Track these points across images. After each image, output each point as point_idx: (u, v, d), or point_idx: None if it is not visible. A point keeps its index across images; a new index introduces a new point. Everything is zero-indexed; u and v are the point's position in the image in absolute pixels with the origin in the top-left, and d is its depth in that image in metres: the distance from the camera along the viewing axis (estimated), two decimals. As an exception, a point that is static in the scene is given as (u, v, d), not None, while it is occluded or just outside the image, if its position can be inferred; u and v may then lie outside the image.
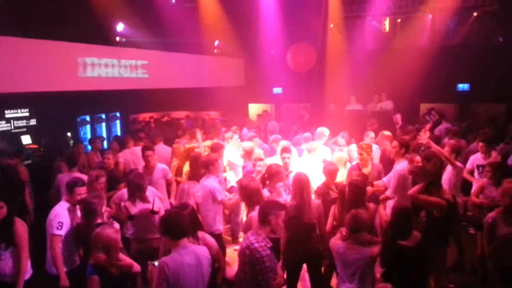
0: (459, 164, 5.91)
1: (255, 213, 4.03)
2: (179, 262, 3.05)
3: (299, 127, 10.01)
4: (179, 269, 3.02)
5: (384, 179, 5.78)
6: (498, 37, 12.30)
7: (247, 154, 6.61)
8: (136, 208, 4.69)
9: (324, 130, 7.33)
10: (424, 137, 6.27)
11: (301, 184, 4.43)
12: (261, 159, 6.22)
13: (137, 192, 4.72)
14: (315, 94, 13.22)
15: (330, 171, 5.19)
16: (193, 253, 3.15)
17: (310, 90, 13.48)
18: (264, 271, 3.32)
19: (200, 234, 3.80)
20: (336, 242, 3.88)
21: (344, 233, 3.85)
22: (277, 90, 14.77)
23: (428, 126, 7.47)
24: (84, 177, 4.99)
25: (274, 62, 13.52)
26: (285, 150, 6.05)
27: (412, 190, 4.75)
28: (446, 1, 11.73)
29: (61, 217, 4.13)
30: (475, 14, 12.24)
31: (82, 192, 4.36)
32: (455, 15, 12.72)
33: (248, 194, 4.43)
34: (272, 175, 4.95)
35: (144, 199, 4.75)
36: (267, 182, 5.00)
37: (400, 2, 12.55)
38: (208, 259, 3.24)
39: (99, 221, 3.97)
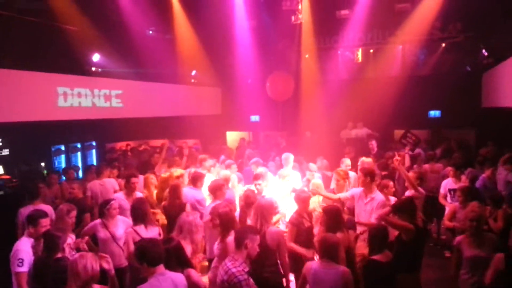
0: (421, 190, 5.97)
1: (231, 238, 4.04)
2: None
3: (276, 153, 10.10)
4: None
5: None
6: (465, 66, 12.86)
7: (227, 182, 6.59)
8: (147, 232, 4.69)
9: (290, 156, 7.39)
10: (396, 159, 6.25)
11: (261, 209, 4.48)
12: (260, 177, 6.15)
13: (145, 216, 4.80)
14: (291, 122, 13.42)
15: (303, 199, 5.12)
16: (171, 279, 3.17)
17: (286, 118, 13.68)
18: None
19: (186, 272, 3.68)
20: (309, 264, 3.88)
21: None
22: (255, 118, 14.92)
23: (407, 149, 7.62)
24: (48, 208, 4.94)
25: (251, 90, 13.75)
26: (257, 177, 6.10)
27: (383, 212, 4.83)
28: (414, 33, 12.24)
29: (21, 253, 4.02)
30: (443, 45, 12.81)
31: (46, 224, 4.28)
32: (424, 46, 13.29)
33: (225, 220, 4.39)
34: (250, 203, 4.99)
35: (153, 223, 4.88)
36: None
37: (372, 34, 13.01)
38: (185, 286, 3.25)
39: (59, 255, 3.89)
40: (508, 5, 9.39)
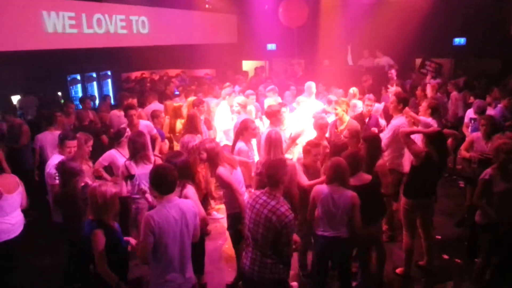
0: (423, 119, 5.79)
1: (222, 168, 4.10)
2: (164, 215, 3.09)
3: (293, 82, 9.94)
4: (164, 221, 3.06)
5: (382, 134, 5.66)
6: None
7: (243, 108, 6.57)
8: (138, 168, 4.64)
9: (312, 85, 7.32)
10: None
11: (269, 142, 4.47)
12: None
13: (141, 151, 4.69)
14: (309, 50, 13.00)
15: (321, 125, 5.18)
16: (178, 206, 3.18)
17: (304, 46, 13.23)
18: (290, 234, 3.30)
19: (185, 189, 3.81)
20: (319, 187, 3.92)
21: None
22: (271, 46, 14.50)
23: (428, 77, 7.36)
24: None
25: (267, 18, 13.19)
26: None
27: (405, 129, 4.79)
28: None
29: (54, 168, 4.21)
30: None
31: (72, 145, 4.50)
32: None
33: (211, 155, 4.26)
34: (242, 130, 5.01)
35: (147, 159, 4.74)
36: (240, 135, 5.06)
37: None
38: (193, 212, 3.26)
39: (81, 184, 4.04)
40: None
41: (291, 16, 11.96)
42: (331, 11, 12.69)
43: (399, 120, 5.59)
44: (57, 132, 5.34)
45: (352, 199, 3.74)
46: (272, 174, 3.37)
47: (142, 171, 4.59)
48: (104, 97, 8.99)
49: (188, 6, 12.52)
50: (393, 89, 7.60)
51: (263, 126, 6.34)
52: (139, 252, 3.17)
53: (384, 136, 5.44)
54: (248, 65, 14.58)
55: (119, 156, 5.10)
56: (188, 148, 4.81)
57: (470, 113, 6.90)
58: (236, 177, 4.23)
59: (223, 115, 7.03)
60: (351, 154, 4.12)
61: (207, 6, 13.73)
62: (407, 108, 5.85)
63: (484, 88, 8.32)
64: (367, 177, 4.10)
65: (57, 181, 4.12)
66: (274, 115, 5.54)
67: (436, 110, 5.89)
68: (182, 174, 3.74)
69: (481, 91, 8.15)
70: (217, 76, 12.45)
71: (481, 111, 6.30)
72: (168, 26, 11.66)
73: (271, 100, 7.23)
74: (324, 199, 3.80)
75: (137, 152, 4.67)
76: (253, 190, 4.37)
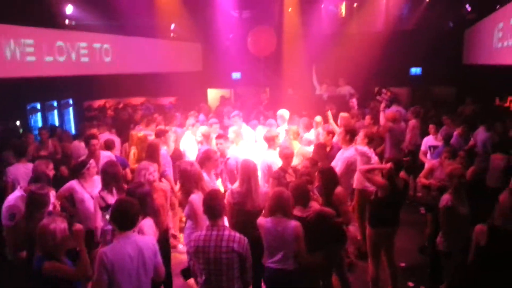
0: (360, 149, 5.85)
1: (195, 196, 4.04)
2: (119, 252, 3.00)
3: (258, 111, 10.05)
4: (118, 259, 2.97)
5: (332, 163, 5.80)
6: (448, 21, 12.73)
7: (205, 138, 6.57)
8: (114, 197, 4.52)
9: (285, 113, 7.47)
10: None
11: (248, 171, 4.45)
12: (223, 136, 6.17)
13: (113, 181, 4.60)
14: (273, 78, 13.25)
15: (286, 155, 5.24)
16: (136, 243, 3.08)
17: (268, 75, 13.49)
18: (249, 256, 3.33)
19: (142, 222, 3.69)
20: (261, 220, 3.87)
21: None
22: (236, 75, 14.67)
23: (382, 106, 7.58)
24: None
25: (232, 46, 13.40)
26: (220, 136, 6.14)
27: (362, 167, 4.93)
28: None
29: (13, 208, 4.11)
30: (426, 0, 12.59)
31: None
32: (408, 0, 13.04)
33: (186, 178, 4.31)
34: (204, 160, 5.00)
35: (121, 189, 4.62)
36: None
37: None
38: (152, 250, 3.16)
39: (45, 212, 3.86)
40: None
41: (260, 45, 12.20)
42: (294, 41, 13.04)
43: (349, 152, 5.74)
44: (30, 165, 5.19)
45: (295, 230, 3.69)
46: (214, 205, 3.34)
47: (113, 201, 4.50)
48: (54, 128, 8.70)
49: (153, 35, 12.54)
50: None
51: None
52: None
53: (337, 170, 5.47)
54: (213, 94, 14.66)
55: (79, 187, 4.96)
56: (140, 176, 4.73)
57: (428, 141, 7.17)
58: None
59: (189, 145, 6.99)
60: (297, 185, 4.09)
61: (172, 34, 13.80)
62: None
63: (440, 115, 8.70)
64: (316, 206, 4.11)
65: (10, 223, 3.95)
66: (272, 140, 5.78)
67: (372, 140, 5.96)
68: (142, 206, 3.66)
69: (437, 118, 8.51)
70: (181, 105, 12.42)
71: (448, 138, 6.56)
72: (132, 54, 11.60)
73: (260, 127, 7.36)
74: (267, 231, 3.75)
75: (110, 182, 4.59)
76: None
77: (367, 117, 8.27)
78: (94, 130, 6.98)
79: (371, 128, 7.13)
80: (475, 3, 11.17)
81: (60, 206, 4.73)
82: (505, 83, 9.91)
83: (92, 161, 5.17)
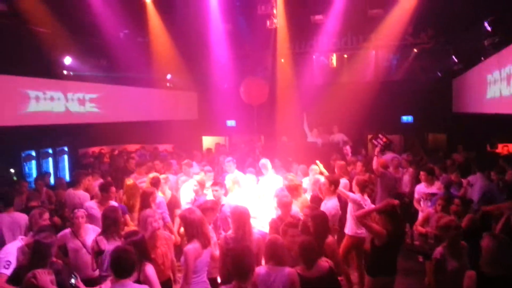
0: (352, 196, 5.93)
1: (191, 247, 3.97)
2: None
3: (253, 159, 10.11)
4: None
5: None
6: (436, 71, 13.18)
7: (201, 186, 6.56)
8: (109, 244, 4.44)
9: (267, 162, 7.48)
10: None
11: (241, 217, 4.45)
12: (218, 184, 6.11)
13: (113, 226, 4.55)
14: (267, 126, 13.44)
15: (285, 203, 5.18)
16: None
17: (262, 123, 13.70)
18: None
19: (145, 268, 3.68)
20: (257, 269, 3.79)
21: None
22: (231, 122, 14.88)
23: (377, 150, 7.66)
24: (23, 217, 4.79)
25: (227, 95, 13.70)
26: (215, 183, 6.07)
27: (360, 212, 4.88)
28: (387, 39, 12.48)
29: (10, 256, 4.01)
30: (415, 50, 13.09)
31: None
32: (396, 52, 13.56)
33: (188, 226, 4.23)
34: (207, 210, 4.89)
35: (118, 235, 4.54)
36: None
37: (346, 39, 13.19)
38: None
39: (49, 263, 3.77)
40: (477, 13, 9.68)
41: (252, 95, 12.49)
42: (287, 90, 13.36)
43: (331, 203, 5.71)
44: (16, 214, 5.08)
45: (289, 277, 3.64)
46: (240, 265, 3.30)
47: (111, 247, 4.38)
48: (46, 175, 8.63)
49: (150, 84, 12.83)
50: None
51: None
52: None
53: None
54: (208, 141, 14.78)
55: (72, 236, 4.88)
56: (147, 223, 4.67)
57: (420, 188, 7.17)
58: (203, 257, 4.10)
59: (188, 193, 6.95)
60: (303, 243, 3.91)
61: (168, 84, 14.11)
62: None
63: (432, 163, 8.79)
64: (324, 265, 3.91)
65: (5, 271, 3.84)
66: (296, 189, 5.78)
67: (364, 187, 5.97)
68: (140, 253, 3.65)
69: (428, 166, 8.58)
70: (177, 152, 12.47)
71: (447, 186, 6.58)
72: (129, 103, 11.82)
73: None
74: (262, 280, 3.69)
75: (108, 227, 4.54)
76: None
77: (359, 164, 8.34)
78: (89, 178, 6.93)
79: (363, 175, 7.16)
80: (461, 54, 11.63)
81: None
82: (494, 130, 10.15)
83: (77, 210, 5.13)
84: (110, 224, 4.56)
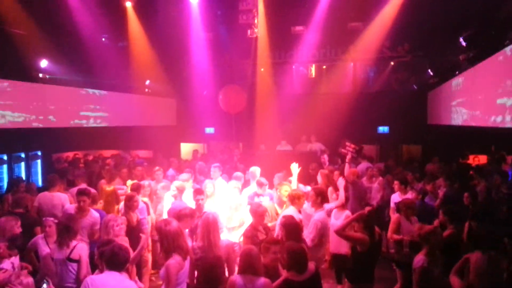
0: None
1: (173, 261, 3.87)
2: (104, 281, 3.29)
3: (231, 167, 10.09)
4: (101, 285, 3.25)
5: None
6: (412, 84, 13.51)
7: (179, 192, 6.49)
8: (59, 252, 4.41)
9: (256, 170, 7.48)
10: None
11: (208, 225, 4.46)
12: (202, 192, 6.08)
13: (65, 234, 4.47)
14: (246, 134, 13.46)
15: (258, 213, 5.14)
16: (121, 280, 3.35)
17: (241, 131, 13.72)
18: None
19: None
20: (232, 278, 3.84)
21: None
22: (209, 130, 14.85)
23: (348, 157, 7.69)
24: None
25: (206, 102, 13.69)
26: (198, 192, 6.00)
27: (338, 226, 4.88)
28: (365, 52, 12.73)
29: None
30: (392, 63, 13.40)
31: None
32: (374, 64, 13.85)
33: (163, 237, 4.15)
34: (185, 217, 4.89)
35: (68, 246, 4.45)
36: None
37: (325, 50, 13.40)
38: None
39: None
40: (453, 28, 9.99)
41: (230, 103, 12.52)
42: (266, 99, 13.45)
43: (319, 215, 5.50)
44: None
45: (264, 287, 3.68)
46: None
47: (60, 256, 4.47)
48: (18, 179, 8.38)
49: (128, 90, 12.70)
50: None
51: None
52: None
53: (308, 234, 5.35)
54: (186, 148, 14.70)
55: (43, 243, 4.84)
56: (108, 227, 4.63)
57: (394, 197, 7.28)
58: (185, 269, 4.02)
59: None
60: (292, 249, 3.93)
61: (146, 90, 14.00)
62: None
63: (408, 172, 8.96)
64: (311, 266, 3.97)
65: None
66: (298, 198, 5.60)
67: (324, 198, 5.77)
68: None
69: (402, 175, 8.73)
70: (155, 159, 12.34)
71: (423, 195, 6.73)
72: (107, 108, 11.67)
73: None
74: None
75: (61, 234, 4.52)
76: None
77: (336, 173, 8.39)
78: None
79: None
80: (436, 68, 11.97)
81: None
82: (466, 142, 10.45)
83: (47, 219, 5.04)
84: (62, 230, 4.51)
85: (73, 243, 4.48)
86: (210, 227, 4.46)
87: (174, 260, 3.89)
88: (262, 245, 4.41)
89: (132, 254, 4.42)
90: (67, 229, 4.51)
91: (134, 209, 5.77)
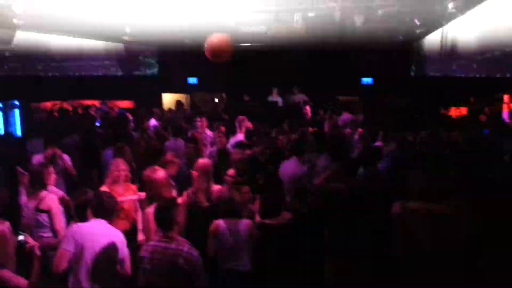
0: None
1: (150, 210, 3.89)
2: (90, 228, 3.35)
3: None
4: (87, 233, 3.29)
5: None
6: (398, 35, 13.26)
7: None
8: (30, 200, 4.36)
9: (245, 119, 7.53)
10: None
11: (204, 168, 4.58)
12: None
13: (37, 184, 4.39)
14: (230, 85, 13.24)
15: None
16: (107, 227, 3.39)
17: (225, 80, 13.47)
18: (202, 273, 3.26)
19: None
20: (215, 222, 3.88)
21: None
22: (192, 80, 14.54)
23: (329, 114, 7.69)
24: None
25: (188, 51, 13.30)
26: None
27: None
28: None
29: None
30: (379, 12, 13.02)
31: None
32: (361, 13, 13.47)
33: (148, 186, 4.26)
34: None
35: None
36: None
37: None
38: (121, 240, 3.36)
39: None
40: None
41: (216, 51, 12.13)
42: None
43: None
44: None
45: (247, 227, 3.81)
46: (165, 216, 3.27)
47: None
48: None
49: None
50: None
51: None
52: None
53: None
54: (168, 98, 14.47)
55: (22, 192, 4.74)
56: None
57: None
58: None
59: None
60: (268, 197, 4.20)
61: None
62: None
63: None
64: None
65: None
66: None
67: None
68: None
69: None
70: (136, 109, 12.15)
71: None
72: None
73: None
74: (220, 232, 3.81)
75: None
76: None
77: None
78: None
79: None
80: (423, 18, 11.72)
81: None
82: (449, 93, 10.50)
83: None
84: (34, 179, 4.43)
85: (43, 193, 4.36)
86: (207, 170, 4.51)
87: (152, 209, 3.93)
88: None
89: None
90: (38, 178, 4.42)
91: None
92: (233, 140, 7.00)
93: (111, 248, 3.25)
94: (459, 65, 8.32)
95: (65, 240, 3.27)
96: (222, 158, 5.68)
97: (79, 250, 3.20)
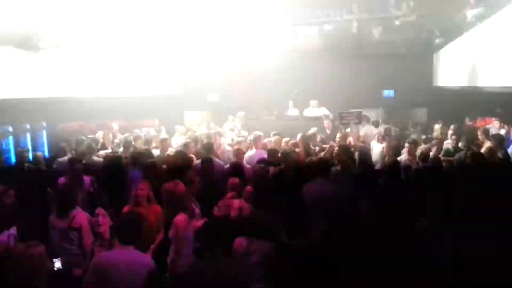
0: None
1: (180, 218, 4.04)
2: (113, 258, 3.13)
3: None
4: (110, 264, 3.09)
5: None
6: (418, 45, 13.13)
7: None
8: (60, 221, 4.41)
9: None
10: None
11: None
12: None
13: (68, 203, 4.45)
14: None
15: None
16: (131, 255, 3.16)
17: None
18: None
19: None
20: (239, 240, 3.88)
21: None
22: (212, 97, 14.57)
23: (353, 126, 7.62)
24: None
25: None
26: None
27: None
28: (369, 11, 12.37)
29: None
30: (397, 23, 12.99)
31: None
32: (379, 24, 13.42)
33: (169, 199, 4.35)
34: None
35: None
36: None
37: (328, 11, 13.03)
38: (146, 266, 3.16)
39: None
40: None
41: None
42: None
43: None
44: None
45: (269, 249, 3.79)
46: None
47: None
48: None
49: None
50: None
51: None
52: None
53: None
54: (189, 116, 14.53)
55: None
56: None
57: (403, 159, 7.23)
58: (190, 228, 4.16)
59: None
60: None
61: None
62: None
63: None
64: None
65: None
66: None
67: None
68: None
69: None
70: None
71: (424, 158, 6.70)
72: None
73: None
74: (243, 250, 3.82)
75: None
76: None
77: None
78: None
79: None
80: (442, 28, 11.61)
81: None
82: (472, 105, 10.30)
83: None
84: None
85: (73, 212, 4.41)
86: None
87: (181, 216, 4.06)
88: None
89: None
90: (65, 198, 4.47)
91: None
92: (247, 156, 7.01)
93: (134, 281, 3.09)
94: (483, 77, 8.18)
95: (89, 272, 3.15)
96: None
97: (102, 284, 3.09)
